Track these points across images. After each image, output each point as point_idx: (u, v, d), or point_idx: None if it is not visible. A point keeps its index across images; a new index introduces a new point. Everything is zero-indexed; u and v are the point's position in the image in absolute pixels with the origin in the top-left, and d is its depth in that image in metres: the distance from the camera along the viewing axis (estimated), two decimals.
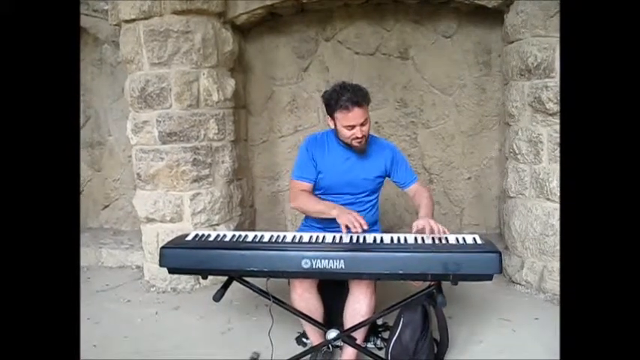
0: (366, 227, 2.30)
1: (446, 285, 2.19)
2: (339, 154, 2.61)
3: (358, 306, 2.38)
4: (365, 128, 2.47)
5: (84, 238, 4.87)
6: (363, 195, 2.65)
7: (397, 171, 2.67)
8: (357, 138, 2.47)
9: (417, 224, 2.31)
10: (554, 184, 3.28)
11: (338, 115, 2.45)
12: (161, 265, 2.26)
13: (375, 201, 2.72)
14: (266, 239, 2.27)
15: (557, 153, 3.25)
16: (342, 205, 2.54)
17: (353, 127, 2.44)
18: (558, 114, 3.19)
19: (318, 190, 2.68)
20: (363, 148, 2.55)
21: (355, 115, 2.41)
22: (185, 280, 3.84)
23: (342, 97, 2.40)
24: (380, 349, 2.61)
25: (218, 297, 2.27)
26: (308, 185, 2.63)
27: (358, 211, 2.49)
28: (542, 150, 3.35)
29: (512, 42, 3.52)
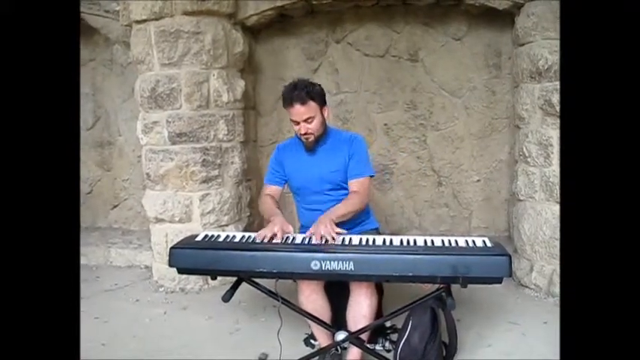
0: (274, 240, 2.32)
1: (454, 288, 2.19)
2: (304, 153, 2.65)
3: (359, 307, 2.38)
4: (310, 126, 2.50)
5: (93, 237, 4.91)
6: (337, 190, 2.62)
7: (349, 164, 2.60)
8: (302, 134, 2.54)
9: (313, 228, 2.34)
10: None
11: (286, 109, 2.54)
12: (170, 265, 2.27)
13: None
14: (275, 240, 2.27)
15: None
16: (325, 203, 2.57)
17: (297, 122, 2.51)
18: None
19: (296, 194, 2.75)
20: (310, 145, 2.59)
21: (297, 111, 2.47)
22: (193, 281, 3.84)
23: (290, 93, 2.47)
24: (388, 351, 2.60)
25: (227, 297, 2.27)
26: (273, 188, 2.75)
27: None
28: (552, 153, 3.33)
29: (523, 44, 3.51)
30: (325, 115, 2.59)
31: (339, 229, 2.29)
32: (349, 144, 2.62)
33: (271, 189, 2.74)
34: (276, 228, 2.34)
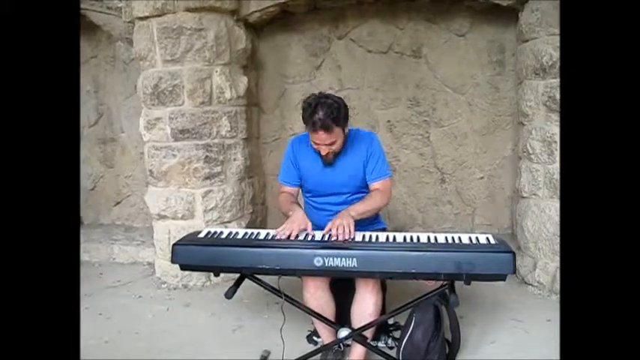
0: (292, 237, 2.27)
1: (457, 285, 2.19)
2: (319, 156, 2.54)
3: (365, 305, 2.37)
4: (333, 147, 2.42)
5: (96, 234, 4.91)
6: (352, 194, 2.58)
7: (368, 166, 2.54)
8: (323, 155, 2.45)
9: (332, 221, 2.28)
10: None
11: (307, 128, 2.41)
12: (173, 261, 2.26)
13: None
14: (278, 237, 2.27)
15: None
16: (336, 205, 2.54)
17: (318, 144, 2.42)
18: None
19: (308, 193, 2.69)
20: (329, 162, 2.50)
21: (320, 137, 2.36)
22: (196, 277, 3.84)
23: (314, 115, 2.32)
24: (391, 348, 2.60)
25: (230, 294, 2.27)
26: (291, 189, 2.67)
27: None
28: (556, 150, 3.31)
29: (527, 41, 3.49)
30: (347, 131, 2.49)
31: (352, 230, 2.23)
32: (367, 145, 2.55)
33: (287, 189, 2.67)
34: (295, 225, 2.29)
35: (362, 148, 2.54)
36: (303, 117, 2.40)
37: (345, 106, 2.44)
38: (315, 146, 2.44)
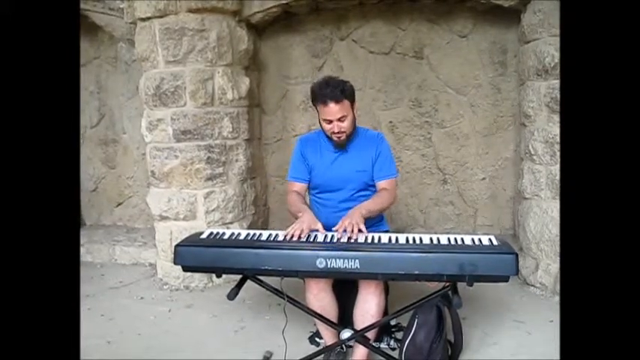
0: (302, 237, 2.26)
1: (459, 286, 2.18)
2: (329, 151, 2.62)
3: (367, 306, 2.37)
4: (344, 124, 2.46)
5: (98, 234, 4.92)
6: (358, 190, 2.60)
7: (377, 164, 2.59)
8: (334, 133, 2.49)
9: (342, 220, 2.29)
10: None
11: (318, 108, 2.49)
12: (175, 262, 2.26)
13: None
14: (280, 238, 2.27)
15: None
16: (341, 202, 2.58)
17: (330, 121, 2.46)
18: None
19: (315, 189, 2.70)
20: (342, 144, 2.55)
21: (331, 110, 2.42)
22: (198, 278, 3.84)
23: (323, 91, 2.42)
24: (393, 349, 2.60)
25: (232, 295, 2.27)
26: (300, 185, 2.68)
27: None
28: (558, 151, 3.30)
29: (529, 42, 3.49)
30: (355, 111, 2.55)
31: (362, 227, 2.25)
32: (376, 143, 2.60)
33: (297, 186, 2.68)
34: (304, 225, 2.29)
35: (371, 146, 2.59)
36: (312, 99, 2.51)
37: (352, 85, 2.53)
38: (328, 126, 2.49)
